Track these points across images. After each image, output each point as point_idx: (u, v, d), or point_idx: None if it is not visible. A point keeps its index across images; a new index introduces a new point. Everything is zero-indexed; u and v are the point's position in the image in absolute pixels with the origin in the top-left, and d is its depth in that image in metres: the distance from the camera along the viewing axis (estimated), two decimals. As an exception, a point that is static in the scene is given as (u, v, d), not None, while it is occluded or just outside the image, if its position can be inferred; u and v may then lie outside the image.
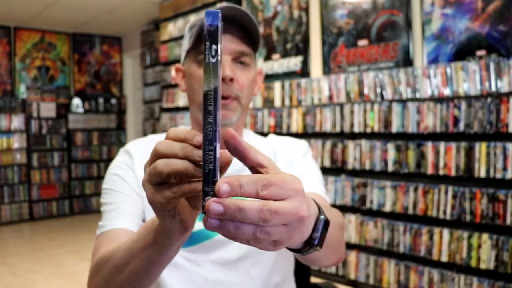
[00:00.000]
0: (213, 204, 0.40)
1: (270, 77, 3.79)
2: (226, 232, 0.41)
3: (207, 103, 0.41)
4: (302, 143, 1.06)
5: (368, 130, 3.03)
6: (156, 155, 0.47)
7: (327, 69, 3.42)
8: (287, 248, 0.59)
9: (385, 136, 2.99)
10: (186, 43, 0.94)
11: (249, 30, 0.89)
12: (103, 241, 0.83)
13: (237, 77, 0.89)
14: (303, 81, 3.46)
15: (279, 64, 3.78)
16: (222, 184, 0.41)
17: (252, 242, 0.43)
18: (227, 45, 0.87)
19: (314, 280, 1.28)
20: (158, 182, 0.47)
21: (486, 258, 2.46)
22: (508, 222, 2.37)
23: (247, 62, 0.92)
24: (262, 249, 0.45)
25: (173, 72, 4.76)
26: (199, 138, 0.45)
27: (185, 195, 0.48)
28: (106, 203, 0.91)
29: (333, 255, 0.77)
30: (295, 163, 0.99)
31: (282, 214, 0.41)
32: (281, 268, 0.96)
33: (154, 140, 0.99)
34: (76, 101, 6.40)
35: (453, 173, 2.60)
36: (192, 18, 4.46)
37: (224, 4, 0.96)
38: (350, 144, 3.13)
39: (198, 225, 0.92)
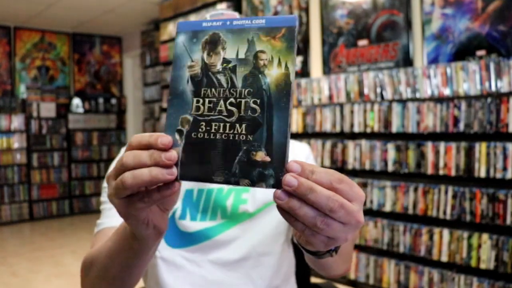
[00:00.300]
0: (289, 176, 0.42)
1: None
2: (290, 208, 0.43)
3: (291, 96, 0.45)
4: (304, 146, 1.06)
5: (368, 130, 3.03)
6: (122, 169, 0.45)
7: (327, 69, 3.42)
8: (304, 250, 0.60)
9: (385, 136, 2.99)
10: None
11: None
12: (99, 239, 0.84)
13: None
14: (303, 81, 3.46)
15: (279, 64, 3.77)
16: (293, 163, 0.43)
17: (307, 231, 0.44)
18: None
19: (314, 280, 1.28)
20: (127, 195, 0.46)
21: (486, 258, 2.46)
22: (508, 222, 2.37)
23: None
24: (312, 243, 0.46)
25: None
26: (164, 139, 0.45)
27: (156, 203, 0.47)
28: (105, 202, 0.92)
29: (343, 264, 0.80)
30: None
31: (347, 211, 0.43)
32: (282, 270, 0.96)
33: None
34: (76, 101, 6.39)
35: (453, 173, 2.60)
36: (192, 18, 4.46)
37: (224, 8, 0.97)
38: (350, 144, 3.13)
39: (199, 225, 0.92)
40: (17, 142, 5.81)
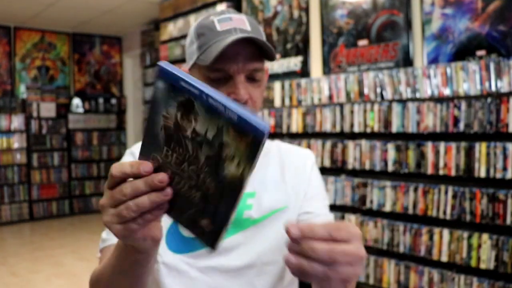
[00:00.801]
0: (292, 229, 0.49)
1: (270, 77, 3.79)
2: (300, 267, 0.49)
3: (241, 194, 0.48)
4: (309, 155, 1.03)
5: (368, 130, 3.03)
6: (124, 199, 0.51)
7: (327, 69, 3.42)
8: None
9: (385, 136, 2.99)
10: (194, 50, 0.88)
11: (259, 45, 0.85)
12: (106, 256, 0.81)
13: (251, 95, 0.87)
14: (303, 81, 3.46)
15: (279, 64, 3.78)
16: (293, 228, 0.49)
17: (322, 282, 0.50)
18: (240, 64, 0.84)
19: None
20: (127, 220, 0.52)
21: (486, 258, 2.46)
22: (508, 222, 2.37)
23: (259, 78, 0.88)
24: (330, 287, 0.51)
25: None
26: (145, 167, 0.51)
27: (149, 223, 0.53)
28: None
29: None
30: (306, 180, 0.98)
31: (349, 255, 0.49)
32: (286, 278, 0.95)
33: None
34: (76, 101, 6.40)
35: (453, 173, 2.60)
36: (192, 18, 4.46)
37: (225, 9, 0.94)
38: (350, 144, 3.13)
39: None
40: (17, 142, 5.81)
